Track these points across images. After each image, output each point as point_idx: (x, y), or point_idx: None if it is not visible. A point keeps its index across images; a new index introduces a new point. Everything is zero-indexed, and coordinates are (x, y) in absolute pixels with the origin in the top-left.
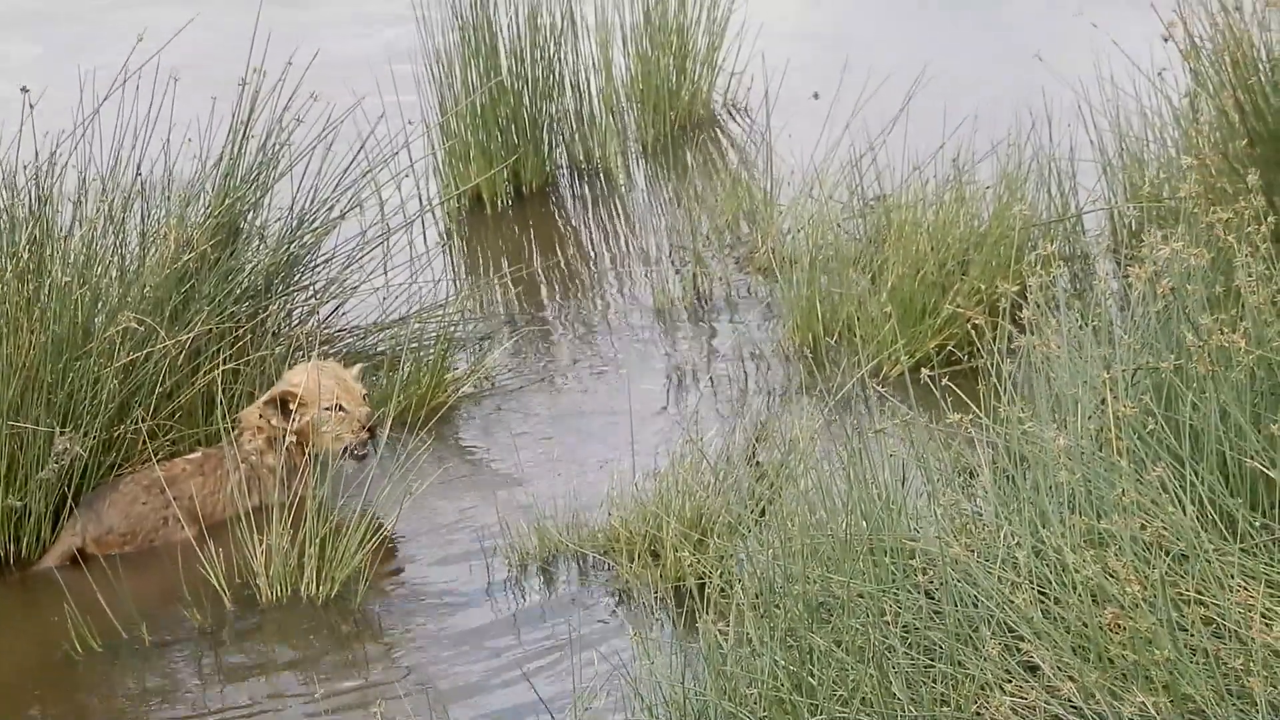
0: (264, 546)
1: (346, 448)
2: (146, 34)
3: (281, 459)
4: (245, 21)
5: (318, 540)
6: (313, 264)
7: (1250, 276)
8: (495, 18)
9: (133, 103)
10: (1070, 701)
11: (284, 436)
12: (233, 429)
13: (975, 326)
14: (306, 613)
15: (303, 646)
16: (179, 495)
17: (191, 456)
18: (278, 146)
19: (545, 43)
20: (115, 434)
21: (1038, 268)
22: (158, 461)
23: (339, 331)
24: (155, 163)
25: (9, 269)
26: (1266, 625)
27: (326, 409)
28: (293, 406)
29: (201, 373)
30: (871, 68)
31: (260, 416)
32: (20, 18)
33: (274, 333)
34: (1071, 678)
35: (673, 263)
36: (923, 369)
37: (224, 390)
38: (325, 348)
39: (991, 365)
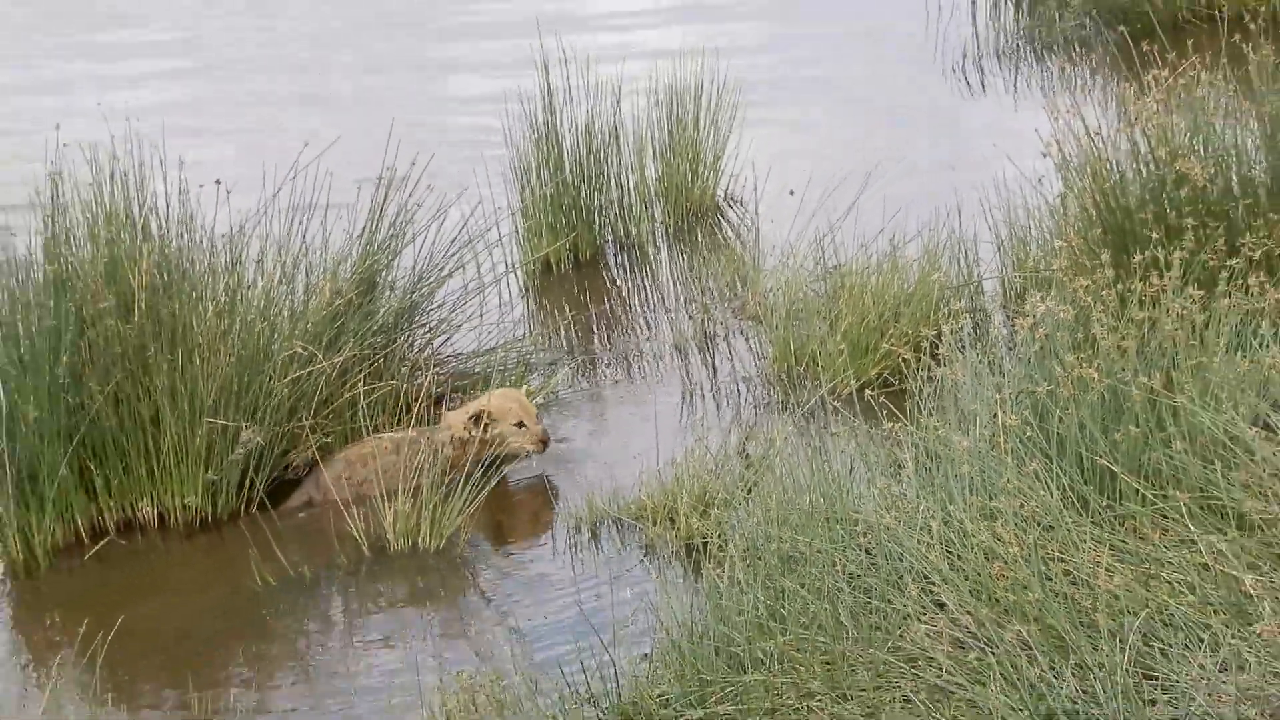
0: (391, 510)
1: (516, 453)
2: (312, 140)
3: (463, 452)
4: (380, 135)
5: (431, 506)
6: (428, 308)
7: (1102, 327)
8: (560, 131)
9: (300, 190)
10: (968, 629)
11: (474, 441)
12: (436, 424)
13: (904, 360)
14: (421, 559)
15: (419, 585)
16: (380, 467)
17: (394, 435)
18: (404, 223)
19: (596, 150)
20: (285, 430)
21: (950, 319)
22: (367, 439)
23: (447, 357)
24: (315, 234)
25: (211, 309)
26: (1109, 576)
27: (514, 424)
28: (485, 421)
29: (348, 385)
30: (835, 170)
31: (464, 427)
32: (217, 128)
33: (400, 357)
34: (969, 612)
35: (687, 312)
36: (866, 390)
37: (365, 397)
38: (436, 369)
39: (916, 388)
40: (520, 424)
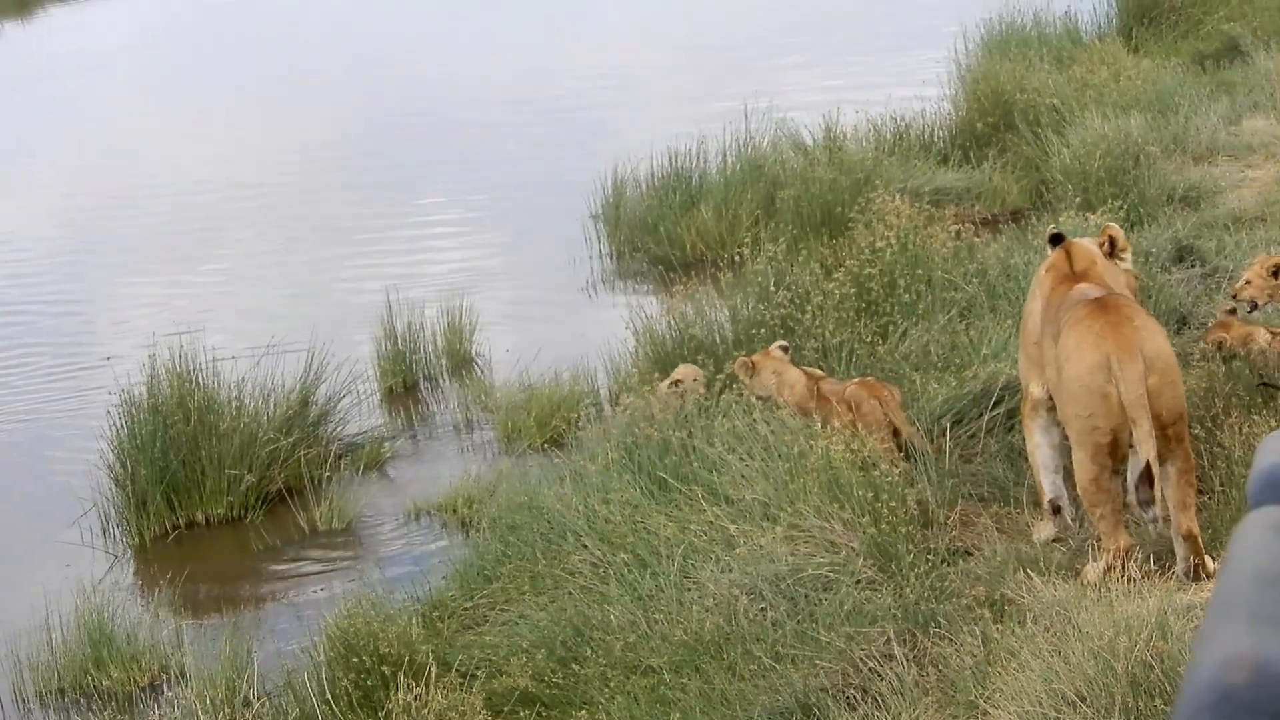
0: (323, 505)
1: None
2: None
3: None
4: (308, 314)
5: (337, 501)
6: (333, 413)
7: (657, 408)
8: (399, 329)
9: (266, 353)
10: (598, 556)
11: (673, 394)
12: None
13: (563, 428)
14: (334, 532)
15: (334, 545)
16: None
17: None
18: (319, 370)
19: (412, 334)
20: (265, 475)
21: (585, 408)
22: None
23: (343, 435)
24: (279, 377)
25: (228, 418)
26: (665, 527)
27: (692, 381)
28: (680, 383)
29: (295, 451)
30: (526, 340)
31: (668, 389)
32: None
33: (322, 438)
34: (598, 548)
35: (458, 410)
36: (544, 444)
37: (305, 457)
38: (338, 441)
39: (570, 441)
40: (694, 380)
